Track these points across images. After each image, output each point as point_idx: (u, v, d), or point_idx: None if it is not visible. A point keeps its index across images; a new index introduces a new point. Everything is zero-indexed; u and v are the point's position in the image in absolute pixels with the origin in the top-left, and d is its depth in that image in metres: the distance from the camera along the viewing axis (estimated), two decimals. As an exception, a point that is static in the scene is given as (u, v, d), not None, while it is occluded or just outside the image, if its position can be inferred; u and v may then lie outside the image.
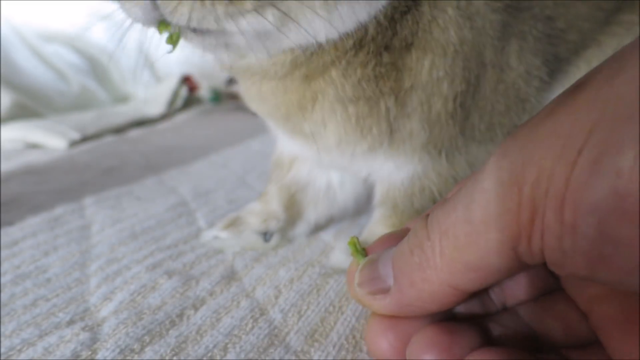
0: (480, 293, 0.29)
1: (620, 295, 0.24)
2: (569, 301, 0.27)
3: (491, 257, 0.22)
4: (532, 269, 0.28)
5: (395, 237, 0.29)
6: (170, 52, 0.32)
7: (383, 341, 0.27)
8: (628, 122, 0.17)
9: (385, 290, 0.26)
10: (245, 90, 0.41)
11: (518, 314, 0.28)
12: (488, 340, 0.26)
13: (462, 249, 0.22)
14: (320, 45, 0.34)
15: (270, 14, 0.30)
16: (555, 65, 0.41)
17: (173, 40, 0.31)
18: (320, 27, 0.32)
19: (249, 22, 0.30)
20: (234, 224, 0.50)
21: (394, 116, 0.37)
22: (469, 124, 0.39)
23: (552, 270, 0.21)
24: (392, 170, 0.41)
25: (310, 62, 0.35)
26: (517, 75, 0.39)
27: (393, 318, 0.27)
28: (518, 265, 0.22)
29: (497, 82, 0.39)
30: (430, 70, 0.36)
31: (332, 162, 0.44)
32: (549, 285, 0.28)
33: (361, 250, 0.30)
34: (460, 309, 0.28)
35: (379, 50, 0.35)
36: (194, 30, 0.30)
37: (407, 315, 0.27)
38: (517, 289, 0.29)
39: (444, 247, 0.23)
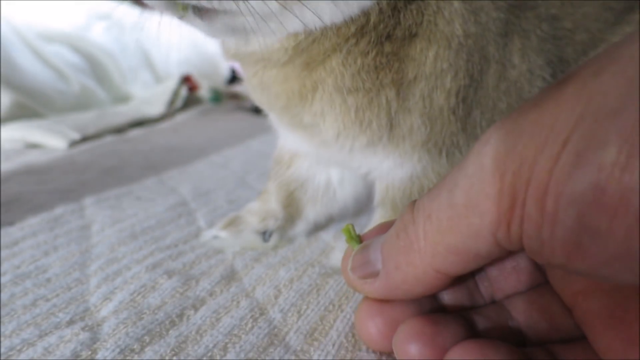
0: (469, 284, 0.29)
1: (604, 291, 0.24)
2: (554, 295, 0.28)
3: (472, 242, 0.22)
4: (519, 263, 0.29)
5: (390, 226, 0.29)
6: (180, 17, 0.33)
7: (371, 326, 0.28)
8: (612, 117, 0.17)
9: (375, 275, 0.27)
10: (248, 80, 0.41)
11: (505, 308, 0.28)
12: (473, 333, 0.26)
13: (445, 232, 0.23)
14: (322, 31, 0.34)
15: None
16: (559, 67, 0.41)
17: (184, 8, 0.32)
18: (326, 9, 0.32)
19: (256, 3, 0.30)
20: (233, 224, 0.50)
21: (395, 110, 0.37)
22: (471, 120, 0.39)
23: (531, 258, 0.22)
24: (391, 168, 0.41)
25: (312, 49, 0.35)
26: (520, 73, 0.39)
27: (382, 304, 0.28)
28: (498, 251, 0.22)
29: (499, 79, 0.39)
30: (434, 61, 0.36)
31: (331, 157, 0.44)
32: (536, 279, 0.29)
33: (356, 236, 0.31)
34: (449, 300, 0.29)
35: (381, 40, 0.35)
36: (199, 13, 0.31)
37: (396, 299, 0.28)
38: (505, 283, 0.29)
39: (427, 230, 0.24)
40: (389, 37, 0.36)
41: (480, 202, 0.21)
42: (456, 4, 0.36)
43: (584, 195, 0.17)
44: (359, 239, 0.31)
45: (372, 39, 0.35)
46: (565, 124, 0.18)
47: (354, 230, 0.31)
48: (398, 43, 0.36)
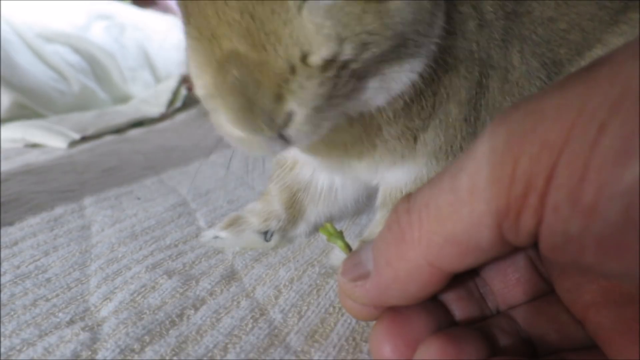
0: (476, 296, 0.28)
1: (616, 303, 0.23)
2: (562, 305, 0.26)
3: (473, 231, 0.20)
4: (523, 274, 0.28)
5: None
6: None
7: (389, 347, 0.25)
8: None
9: (366, 275, 0.25)
10: None
11: (512, 318, 0.27)
12: (491, 345, 0.25)
13: (443, 220, 0.21)
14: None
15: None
16: (553, 69, 0.42)
17: None
18: (378, 96, 0.34)
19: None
20: (234, 224, 0.50)
21: (417, 131, 0.39)
22: (480, 123, 0.41)
23: (546, 255, 0.20)
24: (399, 177, 0.43)
25: (364, 122, 0.37)
26: (520, 74, 0.41)
27: (398, 323, 0.26)
28: (501, 245, 0.20)
29: (503, 82, 0.40)
30: (451, 81, 0.38)
31: (342, 171, 0.44)
32: (541, 289, 0.28)
33: (336, 233, 0.30)
34: (460, 312, 0.28)
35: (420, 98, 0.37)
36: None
37: (389, 303, 0.25)
38: (509, 295, 0.28)
39: (423, 219, 0.22)
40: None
41: (487, 186, 0.19)
42: (471, 25, 0.37)
43: (634, 186, 0.15)
44: (341, 234, 0.31)
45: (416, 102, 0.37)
46: (599, 107, 0.16)
47: (333, 227, 0.31)
48: (435, 82, 0.38)
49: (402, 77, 0.34)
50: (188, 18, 0.29)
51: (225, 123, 0.29)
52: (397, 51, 0.31)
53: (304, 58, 0.27)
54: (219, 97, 0.28)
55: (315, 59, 0.27)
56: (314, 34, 0.27)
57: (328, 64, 0.27)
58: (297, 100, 0.27)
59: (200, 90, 0.30)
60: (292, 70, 0.27)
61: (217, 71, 0.28)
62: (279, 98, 0.27)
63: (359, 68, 0.30)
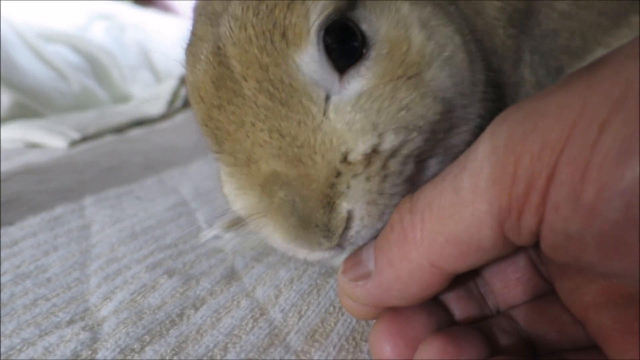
0: (476, 296, 0.28)
1: (616, 304, 0.23)
2: (563, 305, 0.26)
3: (475, 231, 0.20)
4: (523, 274, 0.28)
5: None
6: None
7: (389, 346, 0.25)
8: None
9: (367, 275, 0.25)
10: None
11: (513, 318, 0.27)
12: (491, 345, 0.25)
13: (446, 220, 0.21)
14: None
15: None
16: (556, 78, 0.43)
17: None
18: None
19: None
20: (236, 223, 0.50)
21: None
22: None
23: (547, 255, 0.20)
24: None
25: None
26: (531, 85, 0.42)
27: (398, 322, 0.26)
28: (502, 244, 0.20)
29: (515, 95, 0.41)
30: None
31: None
32: (542, 289, 0.28)
33: None
34: (460, 311, 0.28)
35: None
36: None
37: (389, 304, 0.25)
38: (509, 295, 0.28)
39: (425, 219, 0.22)
40: None
41: (489, 186, 0.19)
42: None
43: (634, 186, 0.15)
44: None
45: None
46: (600, 107, 0.16)
47: None
48: None
49: (460, 139, 0.32)
50: (220, 146, 0.28)
51: (280, 242, 0.28)
52: (448, 119, 0.29)
53: (344, 158, 0.26)
54: (270, 219, 0.27)
55: (355, 155, 0.26)
56: (347, 131, 0.26)
57: (370, 156, 0.26)
58: (348, 200, 0.26)
59: (242, 211, 0.29)
60: (337, 173, 0.26)
61: (262, 194, 0.27)
62: (331, 206, 0.26)
63: (415, 152, 0.27)
